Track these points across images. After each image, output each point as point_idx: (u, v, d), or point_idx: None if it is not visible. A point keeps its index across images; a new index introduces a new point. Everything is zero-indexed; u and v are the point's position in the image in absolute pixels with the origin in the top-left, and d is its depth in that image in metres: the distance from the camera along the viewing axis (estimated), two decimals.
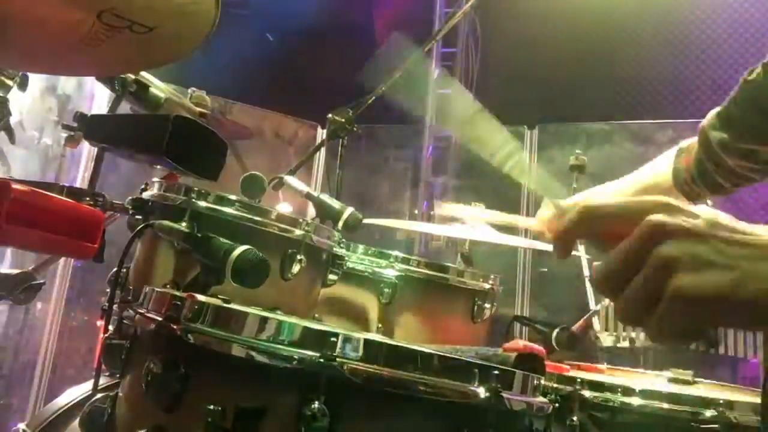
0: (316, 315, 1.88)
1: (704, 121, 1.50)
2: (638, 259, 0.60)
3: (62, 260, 3.52)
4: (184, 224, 1.58)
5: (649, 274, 0.59)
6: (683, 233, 0.59)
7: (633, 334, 2.96)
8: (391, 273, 1.99)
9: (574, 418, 1.56)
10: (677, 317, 0.58)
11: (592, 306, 2.87)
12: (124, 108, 1.84)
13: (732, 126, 1.42)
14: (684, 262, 0.58)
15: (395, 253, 2.04)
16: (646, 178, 1.74)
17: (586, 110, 5.09)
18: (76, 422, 1.50)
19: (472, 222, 2.20)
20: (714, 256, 0.58)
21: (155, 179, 1.76)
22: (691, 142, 1.58)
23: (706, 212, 0.62)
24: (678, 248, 0.58)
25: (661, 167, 1.69)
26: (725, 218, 0.62)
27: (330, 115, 2.36)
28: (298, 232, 1.69)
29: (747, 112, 1.39)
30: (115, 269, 1.68)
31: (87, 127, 1.68)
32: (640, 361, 2.96)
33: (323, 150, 2.66)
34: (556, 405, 1.53)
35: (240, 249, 1.38)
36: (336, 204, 1.98)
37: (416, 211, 5.36)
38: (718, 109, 1.48)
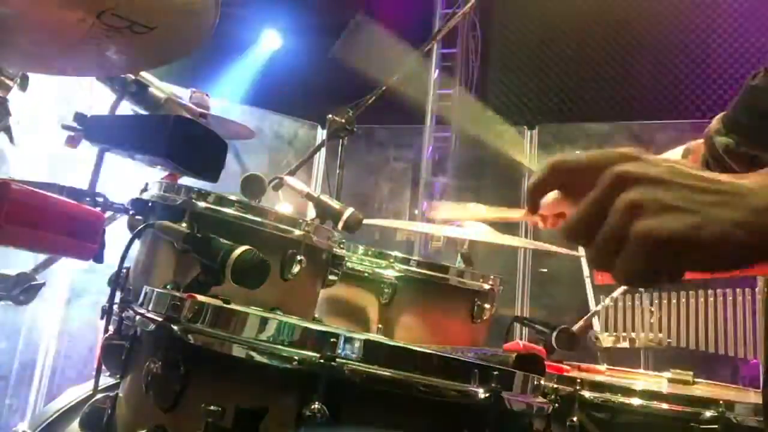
0: (316, 315, 1.88)
1: (710, 126, 1.49)
2: (605, 207, 0.63)
3: (62, 260, 3.51)
4: (184, 224, 1.58)
5: (615, 219, 0.62)
6: (646, 180, 0.62)
7: (633, 335, 2.96)
8: (390, 273, 1.99)
9: (574, 419, 1.56)
10: (641, 258, 0.60)
11: (592, 306, 2.87)
12: (124, 108, 1.84)
13: (736, 131, 1.41)
14: (647, 206, 0.60)
15: (395, 253, 2.04)
16: None
17: (586, 110, 5.09)
18: (76, 422, 1.49)
19: (467, 220, 2.19)
20: (676, 201, 0.61)
21: (155, 179, 1.76)
22: (698, 142, 1.58)
23: (670, 160, 0.65)
24: (642, 194, 0.61)
25: None
26: (688, 165, 0.65)
27: (330, 115, 2.36)
28: (298, 232, 1.68)
29: (750, 117, 1.38)
30: (115, 269, 1.68)
31: (87, 127, 1.67)
32: (640, 361, 2.96)
33: (323, 150, 2.66)
34: (556, 405, 1.53)
35: (240, 249, 1.38)
36: (336, 204, 1.98)
37: (416, 211, 5.36)
38: (723, 113, 1.48)
